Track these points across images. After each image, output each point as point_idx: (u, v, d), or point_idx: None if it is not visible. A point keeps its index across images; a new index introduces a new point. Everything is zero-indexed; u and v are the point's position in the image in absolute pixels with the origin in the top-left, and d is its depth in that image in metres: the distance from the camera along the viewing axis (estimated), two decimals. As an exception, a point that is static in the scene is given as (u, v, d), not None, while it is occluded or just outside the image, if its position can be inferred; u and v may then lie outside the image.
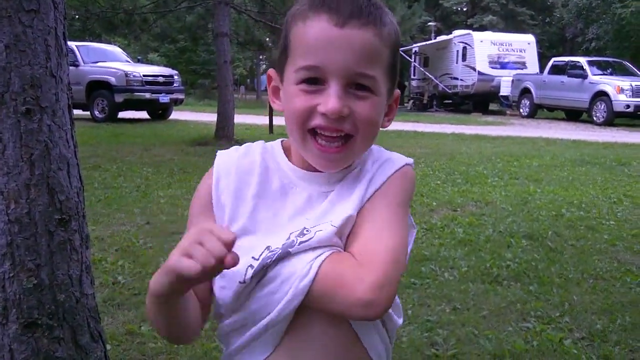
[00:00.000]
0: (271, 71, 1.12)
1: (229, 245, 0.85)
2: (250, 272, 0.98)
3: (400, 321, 1.13)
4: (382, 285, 0.92)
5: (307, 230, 1.00)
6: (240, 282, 0.99)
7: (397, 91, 1.12)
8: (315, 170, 1.06)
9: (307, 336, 1.02)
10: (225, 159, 1.13)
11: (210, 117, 14.13)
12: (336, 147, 1.01)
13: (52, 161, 1.82)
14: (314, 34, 0.98)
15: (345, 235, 1.01)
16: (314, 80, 0.99)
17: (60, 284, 1.86)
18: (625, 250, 4.56)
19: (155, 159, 8.93)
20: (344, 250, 1.00)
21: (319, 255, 0.97)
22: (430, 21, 33.40)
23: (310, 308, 0.98)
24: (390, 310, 1.06)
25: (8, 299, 1.78)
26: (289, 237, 1.00)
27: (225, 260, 0.84)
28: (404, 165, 1.08)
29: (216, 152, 1.16)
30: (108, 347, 2.08)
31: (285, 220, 1.04)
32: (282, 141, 1.15)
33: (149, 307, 0.99)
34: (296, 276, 0.96)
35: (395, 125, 15.58)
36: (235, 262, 0.86)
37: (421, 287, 3.70)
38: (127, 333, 3.00)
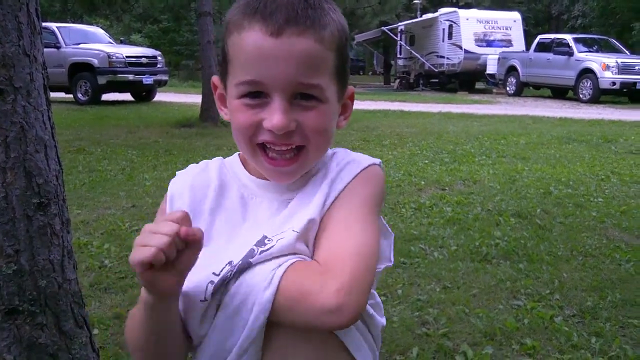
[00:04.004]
0: (215, 79, 1.07)
1: (180, 220, 0.83)
2: (210, 288, 0.93)
3: (384, 321, 1.08)
4: (349, 289, 0.87)
5: (268, 240, 0.95)
6: (201, 300, 0.94)
7: (351, 88, 1.06)
8: None
9: (288, 352, 0.96)
10: (179, 179, 1.09)
11: (195, 99, 13.99)
12: (288, 159, 0.97)
13: (29, 143, 1.74)
14: (250, 46, 0.92)
15: (311, 241, 0.96)
16: (257, 94, 0.94)
17: (41, 270, 1.80)
18: (613, 227, 4.56)
19: (140, 141, 8.83)
20: (311, 258, 0.95)
21: (281, 265, 0.91)
22: (415, -1, 33.19)
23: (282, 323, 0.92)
24: (371, 311, 1.02)
25: (-13, 286, 1.72)
26: (251, 249, 0.94)
27: (180, 232, 0.82)
28: (369, 165, 1.02)
29: (175, 173, 1.13)
30: (95, 331, 2.03)
31: (245, 232, 0.99)
32: (239, 154, 1.10)
33: (137, 320, 0.95)
34: (258, 289, 0.90)
35: (381, 105, 15.59)
36: (193, 233, 0.83)
37: (411, 267, 3.68)
38: (115, 317, 2.96)
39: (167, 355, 0.98)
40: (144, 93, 16.59)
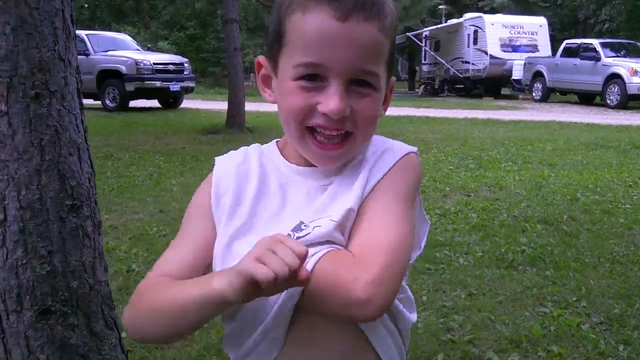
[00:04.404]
0: (261, 58, 1.06)
1: (302, 257, 0.82)
2: None
3: (414, 317, 1.08)
4: (379, 282, 0.87)
5: (305, 226, 0.96)
6: None
7: (393, 79, 1.07)
8: (312, 165, 1.03)
9: (312, 339, 0.97)
10: (224, 165, 1.10)
11: (221, 105, 14.10)
12: (336, 144, 0.98)
13: (63, 146, 1.79)
14: (315, 28, 0.92)
15: (348, 230, 0.96)
16: (314, 77, 0.94)
17: (73, 271, 1.84)
18: (642, 234, 4.50)
19: (167, 147, 8.93)
20: (346, 247, 0.96)
21: (315, 253, 0.91)
22: (440, 4, 33.05)
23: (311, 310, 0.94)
24: (400, 307, 1.03)
25: (22, 286, 1.77)
26: (289, 234, 0.96)
27: (300, 273, 0.81)
28: (406, 154, 1.03)
29: (214, 160, 1.13)
30: (123, 334, 2.07)
31: (285, 218, 1.00)
32: (276, 142, 1.12)
33: (178, 307, 0.92)
34: None
35: (406, 111, 15.54)
36: (309, 279, 0.84)
37: (436, 273, 3.67)
38: (142, 320, 2.99)
39: (185, 333, 1.01)
40: (171, 100, 16.77)
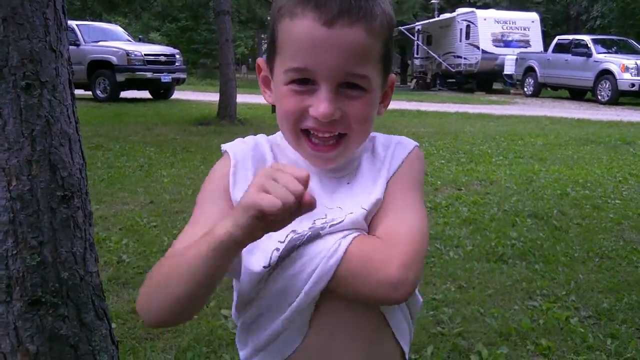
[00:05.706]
0: (260, 61, 1.08)
1: (304, 181, 0.80)
2: (275, 254, 0.95)
3: (421, 299, 1.11)
4: (411, 265, 0.91)
5: (337, 214, 0.98)
6: (264, 266, 0.95)
7: (392, 76, 1.08)
8: None
9: (335, 327, 0.98)
10: (239, 147, 1.08)
11: (212, 97, 14.07)
12: (330, 145, 0.99)
13: (54, 137, 1.78)
14: (301, 34, 0.93)
15: (369, 219, 0.99)
16: (304, 81, 0.96)
17: (63, 262, 1.83)
18: (631, 229, 4.53)
19: (158, 138, 8.90)
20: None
21: (346, 236, 0.94)
22: (433, -1, 33.07)
23: (337, 293, 0.94)
24: (416, 290, 1.05)
25: (12, 277, 1.76)
26: (313, 223, 0.96)
27: (304, 198, 0.79)
28: (416, 146, 1.08)
29: (221, 145, 1.10)
30: (113, 325, 2.07)
31: None
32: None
33: (190, 262, 0.87)
34: (323, 255, 0.93)
35: (398, 105, 15.55)
36: (313, 202, 0.81)
37: (426, 266, 3.69)
38: (133, 311, 2.99)
39: (198, 302, 0.94)
40: (162, 91, 16.70)
